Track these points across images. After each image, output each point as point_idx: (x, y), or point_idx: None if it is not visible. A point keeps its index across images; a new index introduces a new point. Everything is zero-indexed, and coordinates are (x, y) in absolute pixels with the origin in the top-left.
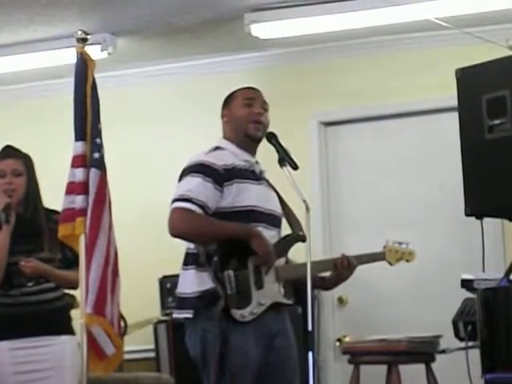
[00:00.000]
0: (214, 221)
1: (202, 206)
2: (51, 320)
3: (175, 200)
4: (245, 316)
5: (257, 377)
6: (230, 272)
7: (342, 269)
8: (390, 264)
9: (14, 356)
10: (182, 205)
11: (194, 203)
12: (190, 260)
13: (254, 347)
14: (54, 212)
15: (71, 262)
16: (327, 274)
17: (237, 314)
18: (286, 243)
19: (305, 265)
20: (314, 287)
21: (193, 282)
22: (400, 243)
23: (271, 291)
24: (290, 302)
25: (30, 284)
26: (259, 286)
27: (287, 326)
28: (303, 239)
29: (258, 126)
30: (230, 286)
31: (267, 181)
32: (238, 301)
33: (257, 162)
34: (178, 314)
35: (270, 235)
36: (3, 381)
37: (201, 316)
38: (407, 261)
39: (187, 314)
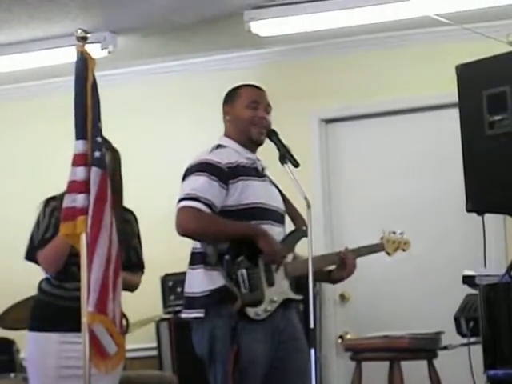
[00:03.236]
0: (222, 220)
1: (209, 205)
2: None
3: (182, 199)
4: (259, 314)
5: (266, 372)
6: (243, 271)
7: (349, 261)
8: (388, 254)
9: (61, 350)
10: (189, 203)
11: (201, 202)
12: (197, 259)
13: (262, 344)
14: (128, 211)
15: (134, 265)
16: (333, 267)
17: (251, 312)
18: (292, 239)
19: (312, 260)
20: (320, 280)
21: (202, 282)
22: (394, 232)
23: (282, 288)
24: (299, 297)
25: None
26: (270, 283)
27: (294, 320)
28: (307, 234)
29: (262, 130)
30: (243, 285)
31: (269, 177)
32: (251, 299)
33: (258, 159)
34: (187, 314)
35: (277, 232)
36: (46, 372)
37: (210, 314)
38: (403, 250)
39: (197, 314)
